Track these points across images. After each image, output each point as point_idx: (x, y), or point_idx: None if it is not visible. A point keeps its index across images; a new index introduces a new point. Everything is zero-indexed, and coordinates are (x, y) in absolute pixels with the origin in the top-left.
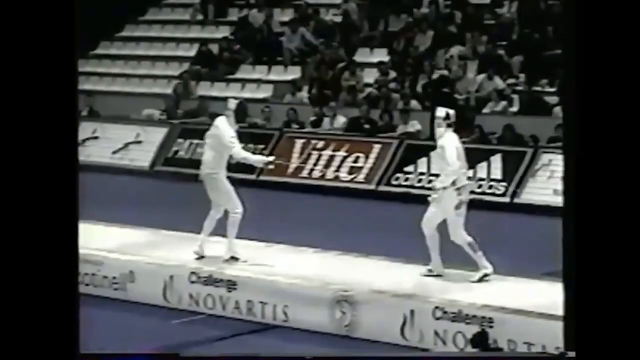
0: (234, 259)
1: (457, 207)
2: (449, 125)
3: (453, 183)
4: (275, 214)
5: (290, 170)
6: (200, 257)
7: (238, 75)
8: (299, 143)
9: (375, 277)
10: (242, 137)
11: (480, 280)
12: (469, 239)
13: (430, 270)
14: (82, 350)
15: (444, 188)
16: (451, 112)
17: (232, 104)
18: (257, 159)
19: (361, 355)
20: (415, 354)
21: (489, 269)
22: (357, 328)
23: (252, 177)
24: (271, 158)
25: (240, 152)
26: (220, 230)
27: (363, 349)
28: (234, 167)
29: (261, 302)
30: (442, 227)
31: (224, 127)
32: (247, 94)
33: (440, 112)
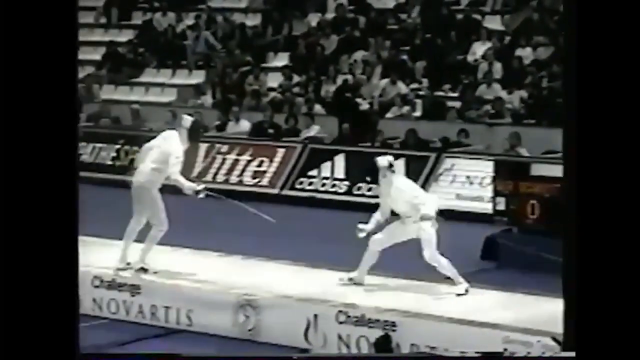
0: (143, 270)
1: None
2: (392, 172)
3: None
4: (179, 217)
5: (193, 174)
6: (125, 268)
7: (142, 79)
8: (203, 147)
9: (279, 281)
10: (145, 140)
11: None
12: (442, 260)
13: (350, 279)
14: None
15: (429, 218)
16: (391, 158)
17: (187, 121)
18: (189, 186)
19: (362, 355)
20: (418, 355)
21: (465, 284)
22: (260, 332)
23: None
24: (202, 186)
25: (176, 175)
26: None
27: (266, 353)
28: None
29: (165, 307)
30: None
31: (175, 144)
32: (151, 98)
33: (382, 161)
